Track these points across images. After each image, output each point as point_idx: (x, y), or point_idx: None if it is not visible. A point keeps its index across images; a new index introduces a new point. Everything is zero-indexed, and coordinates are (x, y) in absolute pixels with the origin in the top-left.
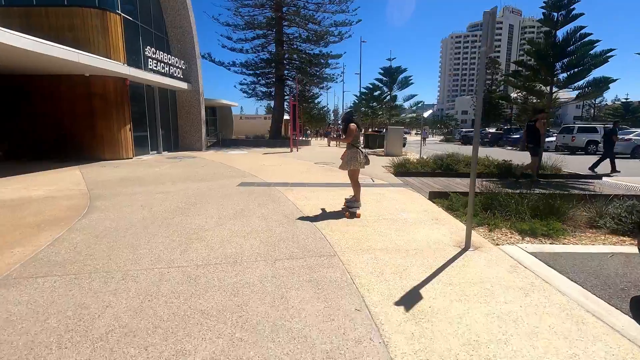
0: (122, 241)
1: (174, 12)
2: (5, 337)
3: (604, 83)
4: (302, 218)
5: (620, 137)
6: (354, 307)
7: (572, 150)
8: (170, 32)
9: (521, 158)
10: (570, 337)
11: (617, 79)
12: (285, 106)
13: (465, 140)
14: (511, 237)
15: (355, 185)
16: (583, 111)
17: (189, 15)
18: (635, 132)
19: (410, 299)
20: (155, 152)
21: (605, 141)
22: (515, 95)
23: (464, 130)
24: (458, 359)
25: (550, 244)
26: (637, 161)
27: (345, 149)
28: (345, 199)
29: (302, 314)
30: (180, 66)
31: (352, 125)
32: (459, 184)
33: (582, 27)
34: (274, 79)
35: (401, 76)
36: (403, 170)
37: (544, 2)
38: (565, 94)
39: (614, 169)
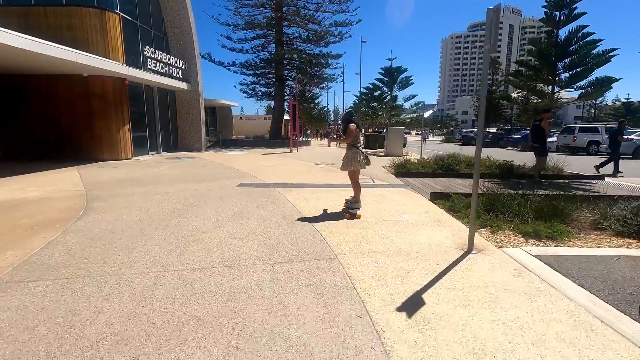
0: (117, 244)
1: (173, 11)
2: None
3: (606, 83)
4: (302, 220)
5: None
6: (355, 313)
7: (574, 151)
8: (170, 32)
9: (522, 158)
10: (579, 346)
11: (619, 79)
12: (285, 106)
13: (466, 140)
14: (514, 240)
15: (356, 186)
16: (584, 111)
17: (189, 15)
18: (636, 132)
19: (412, 305)
20: (155, 152)
21: (611, 141)
22: (516, 95)
23: (464, 130)
24: None
25: (554, 246)
26: (639, 161)
27: (345, 149)
28: (346, 199)
29: (300, 320)
30: (179, 66)
31: (352, 126)
32: (460, 185)
33: (584, 27)
34: (274, 79)
35: (402, 76)
36: (404, 170)
37: (546, 1)
38: (566, 94)
39: (616, 170)
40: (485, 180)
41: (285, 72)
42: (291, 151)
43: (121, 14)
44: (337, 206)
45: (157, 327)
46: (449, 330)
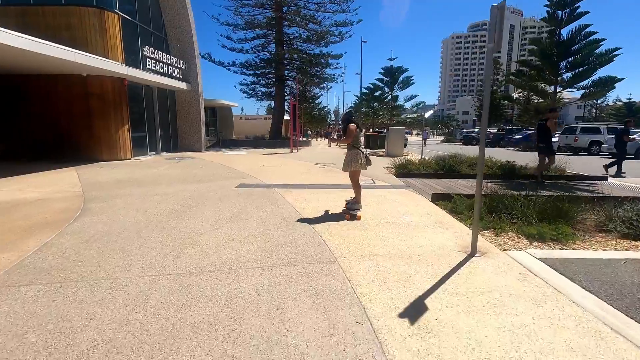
0: (113, 246)
1: (173, 11)
2: None
3: (609, 82)
4: (301, 221)
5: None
6: (355, 319)
7: (575, 151)
8: (170, 32)
9: (524, 159)
10: (589, 355)
11: (623, 78)
12: (285, 106)
13: (467, 140)
14: (518, 242)
15: (356, 186)
16: (585, 111)
17: (188, 15)
18: (638, 132)
19: (414, 311)
20: (154, 152)
21: (617, 141)
22: (517, 95)
23: (465, 130)
24: None
25: (559, 249)
26: None
27: (346, 150)
28: (346, 200)
29: (299, 327)
30: (179, 66)
31: (352, 126)
32: (462, 186)
33: (587, 26)
34: (274, 79)
35: (402, 76)
36: (404, 171)
37: (548, 0)
38: (567, 94)
39: (619, 170)
40: (487, 181)
41: (286, 72)
42: (291, 151)
43: (120, 13)
44: (338, 207)
45: (150, 334)
46: (453, 338)
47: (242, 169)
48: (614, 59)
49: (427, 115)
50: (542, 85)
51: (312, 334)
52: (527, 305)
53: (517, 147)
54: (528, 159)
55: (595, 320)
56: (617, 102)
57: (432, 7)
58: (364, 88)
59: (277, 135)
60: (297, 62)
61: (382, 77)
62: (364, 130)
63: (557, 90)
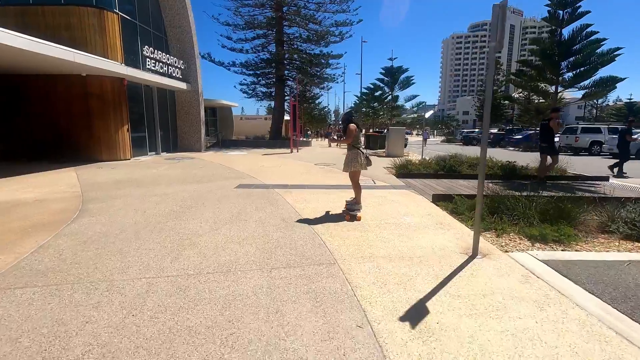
0: (110, 248)
1: (172, 11)
2: None
3: (611, 82)
4: (301, 222)
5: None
6: (355, 323)
7: (576, 151)
8: (169, 32)
9: (525, 159)
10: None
11: (624, 78)
12: (285, 107)
13: (467, 140)
14: (520, 243)
15: (356, 187)
16: (585, 111)
17: (188, 15)
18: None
19: (416, 314)
20: (154, 153)
21: (619, 141)
22: (517, 95)
23: (465, 130)
24: None
25: (562, 250)
26: None
27: (346, 150)
28: (346, 201)
29: (298, 331)
30: (179, 66)
31: (352, 126)
32: (463, 186)
33: (588, 25)
34: (274, 79)
35: (403, 76)
36: (405, 171)
37: None
38: (568, 94)
39: (621, 171)
40: (488, 181)
41: (286, 72)
42: (291, 152)
43: (120, 13)
44: (338, 208)
45: (146, 338)
46: (455, 343)
47: (242, 169)
48: (615, 58)
49: (427, 115)
50: (543, 85)
51: (311, 338)
52: (530, 308)
53: (517, 148)
54: (529, 159)
55: (599, 324)
56: (618, 102)
57: (433, 7)
58: (364, 88)
59: (277, 136)
60: (297, 62)
61: (382, 77)
62: (364, 131)
63: (558, 90)
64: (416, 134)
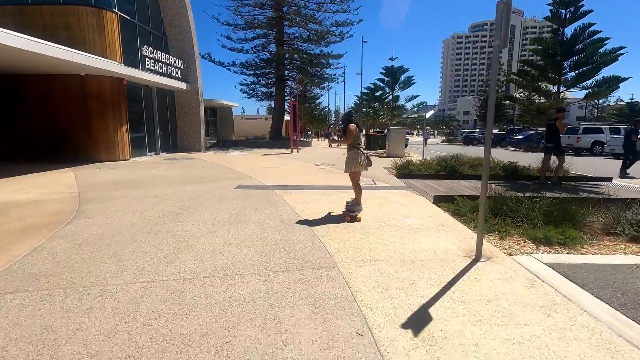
0: (105, 250)
1: (172, 11)
2: None
3: (614, 82)
4: (301, 223)
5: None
6: (356, 330)
7: (577, 152)
8: (169, 32)
9: (526, 159)
10: None
11: (628, 78)
12: (285, 107)
13: (468, 141)
14: (524, 246)
15: (357, 187)
16: (586, 112)
17: (188, 15)
18: None
19: (418, 321)
20: (153, 153)
21: (625, 141)
22: (518, 95)
23: (466, 130)
24: None
25: (567, 253)
26: None
27: (346, 150)
28: (347, 202)
29: (296, 339)
30: (178, 66)
31: (352, 126)
32: (464, 187)
33: (590, 24)
34: (274, 79)
35: (403, 76)
36: (406, 172)
37: None
38: (569, 95)
39: (624, 171)
40: (490, 182)
41: (286, 72)
42: (291, 152)
43: (119, 13)
44: (338, 209)
45: (138, 347)
46: (459, 352)
47: (242, 170)
48: (618, 58)
49: (428, 115)
50: (545, 85)
51: (310, 347)
52: (537, 315)
53: (518, 148)
54: (531, 160)
55: (609, 332)
56: (619, 103)
57: (433, 7)
58: (364, 88)
59: (277, 136)
60: (298, 62)
61: (382, 77)
62: (364, 131)
63: (561, 90)
64: (416, 134)
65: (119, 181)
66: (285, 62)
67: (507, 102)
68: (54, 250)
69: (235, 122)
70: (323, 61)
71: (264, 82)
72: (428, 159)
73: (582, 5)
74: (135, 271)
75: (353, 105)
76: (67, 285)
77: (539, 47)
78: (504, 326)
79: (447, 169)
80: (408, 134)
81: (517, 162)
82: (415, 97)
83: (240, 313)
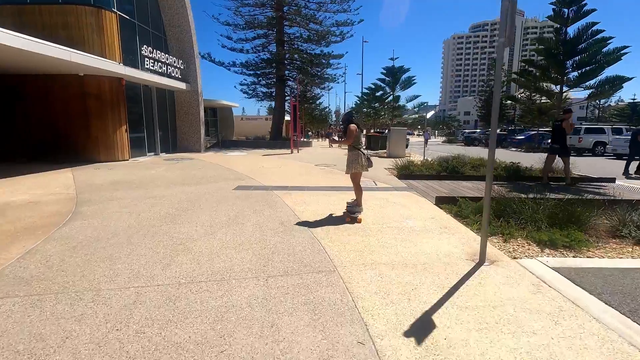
0: (100, 253)
1: (172, 10)
2: None
3: (617, 82)
4: (300, 225)
5: (628, 137)
6: (357, 339)
7: (579, 152)
8: (169, 31)
9: (528, 160)
10: None
11: (631, 78)
12: (286, 107)
13: (469, 141)
14: (529, 249)
15: (357, 188)
16: (587, 112)
17: (188, 15)
18: None
19: (421, 328)
20: (153, 153)
21: (632, 141)
22: (519, 95)
23: (467, 131)
24: None
25: (573, 257)
26: None
27: (347, 151)
28: (347, 202)
29: (294, 348)
30: (178, 66)
31: (352, 126)
32: (466, 188)
33: (594, 24)
34: (274, 80)
35: (404, 76)
36: (407, 172)
37: None
38: (571, 95)
39: (627, 171)
40: (492, 182)
41: (286, 72)
42: (292, 152)
43: (118, 12)
44: (338, 210)
45: (129, 356)
46: None
47: (241, 170)
48: (622, 57)
49: (428, 115)
50: (547, 84)
51: (308, 356)
52: (544, 322)
53: (519, 148)
54: (532, 160)
55: (620, 340)
56: (620, 103)
57: (433, 8)
58: (365, 88)
59: (277, 136)
60: (298, 62)
61: (383, 77)
62: (365, 131)
63: (564, 90)
64: (417, 135)
65: (118, 182)
66: (286, 62)
67: (509, 102)
68: (48, 253)
69: (235, 123)
70: (323, 61)
71: (264, 82)
72: (429, 159)
73: (585, 4)
74: (130, 275)
75: (354, 106)
76: (59, 290)
77: (542, 46)
78: (511, 334)
79: (449, 170)
80: (409, 134)
81: (519, 162)
82: (416, 97)
83: (237, 320)
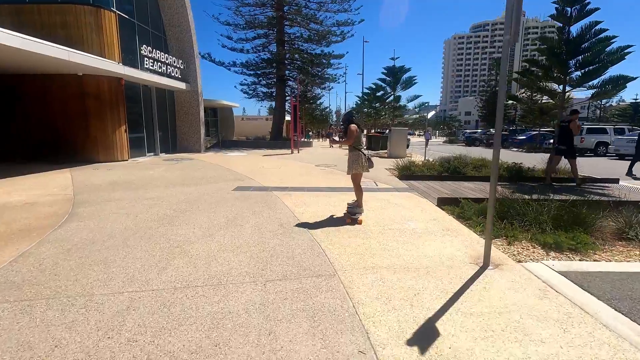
0: (95, 256)
1: (172, 10)
2: None
3: (622, 81)
4: (300, 227)
5: (631, 137)
6: (357, 348)
7: (581, 152)
8: (169, 31)
9: (530, 160)
10: None
11: (635, 77)
12: (286, 107)
13: (470, 141)
14: (534, 252)
15: (358, 189)
16: (589, 112)
17: (188, 14)
18: None
19: (425, 336)
20: (152, 153)
21: (638, 142)
22: (520, 95)
23: (468, 131)
24: None
25: (579, 260)
26: None
27: (347, 151)
28: (348, 203)
29: (292, 358)
30: (178, 66)
31: (353, 126)
32: (468, 189)
33: (597, 22)
34: (275, 80)
35: (405, 76)
36: (408, 173)
37: None
38: (573, 95)
39: (630, 171)
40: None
41: (287, 72)
42: (292, 152)
43: (118, 12)
44: (338, 212)
45: None
46: None
47: (241, 171)
48: (625, 57)
49: (429, 115)
50: (548, 84)
51: None
52: (553, 330)
53: (521, 148)
54: (534, 161)
55: (632, 349)
56: (621, 103)
57: (434, 8)
58: (365, 88)
59: (278, 136)
60: (299, 62)
61: (384, 77)
62: (365, 131)
63: (567, 90)
64: (418, 135)
65: (116, 182)
66: (286, 62)
67: (510, 102)
68: (42, 256)
69: (235, 123)
70: (324, 61)
71: (264, 82)
72: (430, 159)
73: (589, 3)
74: (124, 279)
75: (354, 106)
76: (51, 296)
77: (544, 46)
78: (518, 342)
79: (450, 170)
80: (409, 134)
81: (521, 163)
82: (417, 97)
83: (233, 327)
